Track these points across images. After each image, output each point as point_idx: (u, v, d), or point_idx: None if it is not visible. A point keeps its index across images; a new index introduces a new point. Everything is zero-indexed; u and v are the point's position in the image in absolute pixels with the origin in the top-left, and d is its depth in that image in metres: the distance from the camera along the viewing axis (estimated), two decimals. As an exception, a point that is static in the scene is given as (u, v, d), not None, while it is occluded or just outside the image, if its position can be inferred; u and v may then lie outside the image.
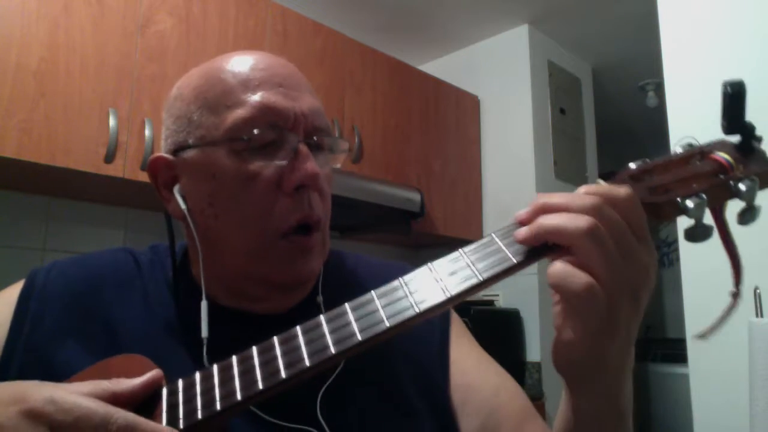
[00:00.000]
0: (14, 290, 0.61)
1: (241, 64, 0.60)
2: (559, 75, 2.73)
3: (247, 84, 0.58)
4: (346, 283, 0.66)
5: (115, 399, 0.43)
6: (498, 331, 2.29)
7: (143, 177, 1.55)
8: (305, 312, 0.60)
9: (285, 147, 0.56)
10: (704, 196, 0.44)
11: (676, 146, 0.49)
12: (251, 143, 0.56)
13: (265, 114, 0.56)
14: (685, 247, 1.42)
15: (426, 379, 0.62)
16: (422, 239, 2.59)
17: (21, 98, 1.38)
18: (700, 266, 1.37)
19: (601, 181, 0.46)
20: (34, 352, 0.56)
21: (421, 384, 0.61)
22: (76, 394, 0.42)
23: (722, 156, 0.46)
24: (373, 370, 0.60)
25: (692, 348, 1.39)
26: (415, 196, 2.18)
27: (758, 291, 1.16)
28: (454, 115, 2.58)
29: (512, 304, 2.39)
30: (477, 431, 0.60)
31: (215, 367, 0.45)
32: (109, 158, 1.49)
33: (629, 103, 3.35)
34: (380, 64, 2.29)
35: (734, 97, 0.46)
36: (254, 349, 0.45)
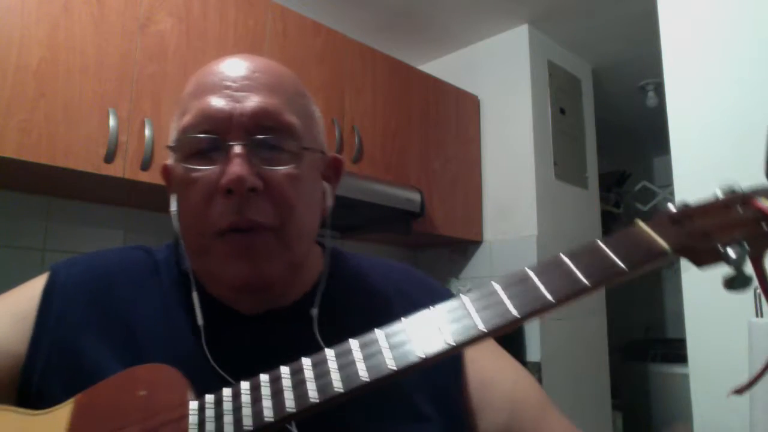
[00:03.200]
0: (36, 285, 0.61)
1: (207, 69, 0.62)
2: (559, 75, 2.73)
3: (197, 90, 0.60)
4: (348, 288, 0.66)
5: None
6: (498, 331, 2.29)
7: (143, 177, 1.55)
8: (289, 315, 0.62)
9: (221, 151, 0.57)
10: (746, 244, 0.43)
11: (716, 189, 0.48)
12: (190, 150, 0.58)
13: (203, 119, 0.57)
14: (685, 247, 1.41)
15: (436, 384, 0.62)
16: (422, 239, 2.59)
17: (21, 98, 1.38)
18: (700, 266, 1.36)
19: (640, 223, 0.46)
20: (60, 348, 0.57)
21: (431, 389, 0.61)
22: None
23: (766, 204, 0.45)
24: None
25: (692, 348, 1.39)
26: (415, 196, 2.18)
27: (758, 291, 1.16)
28: (454, 115, 2.58)
29: (512, 304, 2.39)
30: (505, 424, 0.62)
31: (244, 384, 0.45)
32: (109, 158, 1.49)
33: (629, 103, 3.35)
34: (380, 64, 2.29)
35: None
36: (282, 369, 0.45)
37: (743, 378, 1.19)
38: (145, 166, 1.55)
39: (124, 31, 1.58)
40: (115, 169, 1.51)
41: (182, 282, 0.63)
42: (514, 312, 0.42)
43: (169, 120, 1.74)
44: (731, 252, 0.43)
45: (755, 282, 0.46)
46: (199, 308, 0.59)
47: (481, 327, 0.41)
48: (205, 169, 0.57)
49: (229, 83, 0.59)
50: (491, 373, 0.65)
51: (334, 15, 2.42)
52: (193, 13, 1.72)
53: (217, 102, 0.57)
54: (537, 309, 0.42)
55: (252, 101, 0.58)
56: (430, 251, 2.77)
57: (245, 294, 0.60)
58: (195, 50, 1.70)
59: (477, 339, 0.42)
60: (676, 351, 3.27)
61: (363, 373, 0.42)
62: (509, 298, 0.42)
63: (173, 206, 0.62)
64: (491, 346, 0.69)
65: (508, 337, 2.34)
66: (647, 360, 3.49)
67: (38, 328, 0.58)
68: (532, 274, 0.44)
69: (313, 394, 0.42)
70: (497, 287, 0.44)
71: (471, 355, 0.65)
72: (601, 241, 0.45)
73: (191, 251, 0.60)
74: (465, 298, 0.44)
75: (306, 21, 2.04)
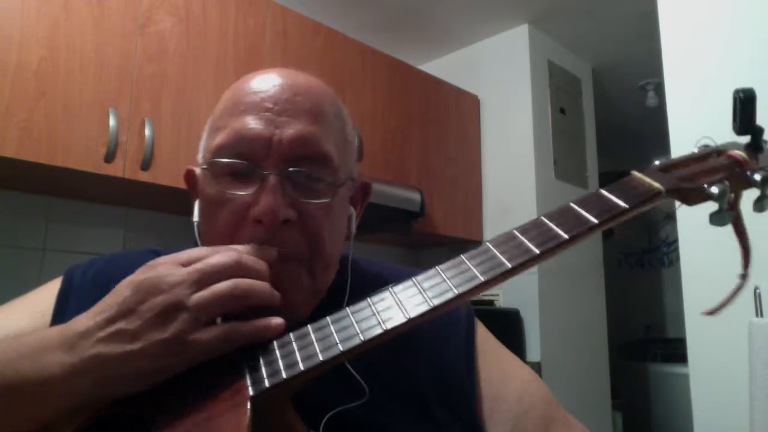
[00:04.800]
0: (52, 287, 0.62)
1: (244, 85, 0.60)
2: (559, 75, 2.73)
3: (235, 108, 0.58)
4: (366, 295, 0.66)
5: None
6: (498, 331, 2.27)
7: (143, 177, 1.55)
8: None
9: (255, 176, 0.56)
10: (727, 183, 0.50)
11: (694, 147, 0.57)
12: (222, 170, 0.57)
13: (238, 141, 0.56)
14: (685, 247, 1.42)
15: (452, 391, 0.62)
16: (422, 239, 2.59)
17: (21, 98, 1.38)
18: (700, 266, 1.37)
19: (635, 173, 0.53)
20: None
21: (447, 396, 0.61)
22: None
23: (737, 153, 0.53)
24: (397, 381, 0.60)
25: (692, 348, 1.39)
26: (415, 196, 2.18)
27: (758, 291, 1.16)
28: (454, 115, 2.58)
29: (512, 304, 2.40)
30: None
31: (292, 335, 0.49)
32: (109, 158, 1.49)
33: (629, 103, 3.35)
34: (380, 64, 2.29)
35: (745, 102, 0.53)
36: (310, 326, 0.49)
37: (743, 378, 1.19)
38: (145, 166, 1.55)
39: (124, 31, 1.58)
40: (115, 169, 1.51)
41: None
42: (536, 250, 0.47)
43: (168, 120, 1.73)
44: (715, 190, 0.49)
45: (754, 282, 0.50)
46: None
47: (508, 263, 0.47)
48: (237, 194, 0.55)
49: (269, 105, 0.57)
50: (497, 387, 0.64)
51: (334, 15, 2.42)
52: (193, 13, 1.71)
53: (256, 125, 0.56)
54: (553, 246, 0.48)
55: (292, 129, 0.56)
56: (430, 251, 2.77)
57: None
58: (195, 50, 1.70)
59: (531, 261, 0.47)
60: (676, 351, 3.27)
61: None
62: (529, 240, 0.48)
63: (196, 215, 0.61)
64: (500, 357, 0.68)
65: (509, 337, 2.34)
66: (647, 360, 3.49)
67: (54, 325, 0.57)
68: (545, 219, 0.50)
69: (376, 329, 0.46)
70: (516, 232, 0.49)
71: (481, 366, 0.65)
72: (603, 189, 0.52)
73: None
74: (488, 244, 0.50)
75: (306, 21, 2.04)
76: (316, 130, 0.57)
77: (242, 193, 0.55)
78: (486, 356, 0.66)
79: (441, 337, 0.65)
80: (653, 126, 3.31)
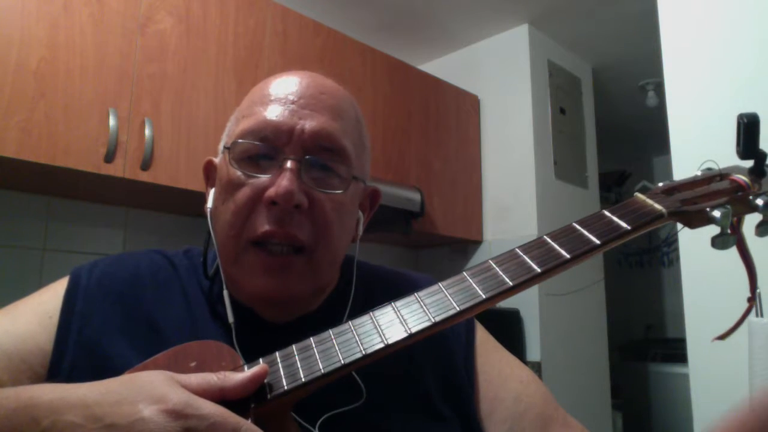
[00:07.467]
0: (58, 287, 0.62)
1: (273, 81, 0.64)
2: (559, 75, 2.73)
3: (263, 99, 0.61)
4: (368, 297, 0.67)
5: (224, 395, 0.44)
6: (498, 331, 2.26)
7: (143, 177, 1.55)
8: (314, 325, 0.61)
9: (276, 161, 0.58)
10: (729, 207, 0.50)
11: (697, 171, 0.57)
12: (243, 153, 0.59)
13: (263, 127, 0.59)
14: (685, 247, 1.42)
15: (453, 388, 0.63)
16: (422, 239, 2.59)
17: (21, 98, 1.38)
18: (700, 266, 1.36)
19: (638, 194, 0.53)
20: (86, 349, 0.57)
21: (448, 392, 0.62)
22: (207, 401, 0.42)
23: (740, 177, 0.53)
24: (401, 378, 0.61)
25: (692, 348, 1.39)
26: (415, 196, 2.18)
27: (758, 291, 1.16)
28: (454, 114, 2.58)
29: (512, 304, 2.39)
30: None
31: (294, 347, 0.49)
32: (109, 158, 1.49)
33: (629, 103, 3.35)
34: (380, 64, 2.29)
35: (749, 127, 0.52)
36: (312, 339, 0.49)
37: (743, 378, 1.19)
38: (145, 166, 1.55)
39: (124, 31, 1.58)
40: (115, 169, 1.51)
41: (205, 286, 0.64)
42: (537, 269, 0.49)
43: (168, 119, 1.74)
44: (717, 213, 0.49)
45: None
46: (230, 306, 0.60)
47: (509, 282, 0.49)
48: (256, 176, 0.58)
49: (294, 98, 0.60)
50: (496, 388, 0.65)
51: (334, 15, 2.42)
52: (193, 13, 1.71)
53: (281, 114, 0.59)
54: (555, 265, 0.49)
55: (314, 121, 0.59)
56: (430, 251, 2.77)
57: (265, 305, 0.62)
58: (195, 50, 1.70)
59: (532, 280, 0.49)
60: (676, 351, 3.27)
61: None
62: (531, 259, 0.50)
63: (210, 202, 0.64)
64: (498, 358, 0.69)
65: (508, 337, 2.35)
66: (647, 360, 3.49)
67: (62, 328, 0.58)
68: (547, 238, 0.51)
69: (378, 340, 0.47)
70: (519, 251, 0.51)
71: (480, 367, 0.66)
72: (606, 209, 0.52)
73: (223, 254, 0.61)
74: (491, 262, 0.52)
75: (306, 21, 2.04)
76: (337, 126, 0.60)
77: (261, 175, 0.58)
78: (485, 357, 0.67)
79: (441, 338, 0.65)
80: (653, 126, 3.31)
